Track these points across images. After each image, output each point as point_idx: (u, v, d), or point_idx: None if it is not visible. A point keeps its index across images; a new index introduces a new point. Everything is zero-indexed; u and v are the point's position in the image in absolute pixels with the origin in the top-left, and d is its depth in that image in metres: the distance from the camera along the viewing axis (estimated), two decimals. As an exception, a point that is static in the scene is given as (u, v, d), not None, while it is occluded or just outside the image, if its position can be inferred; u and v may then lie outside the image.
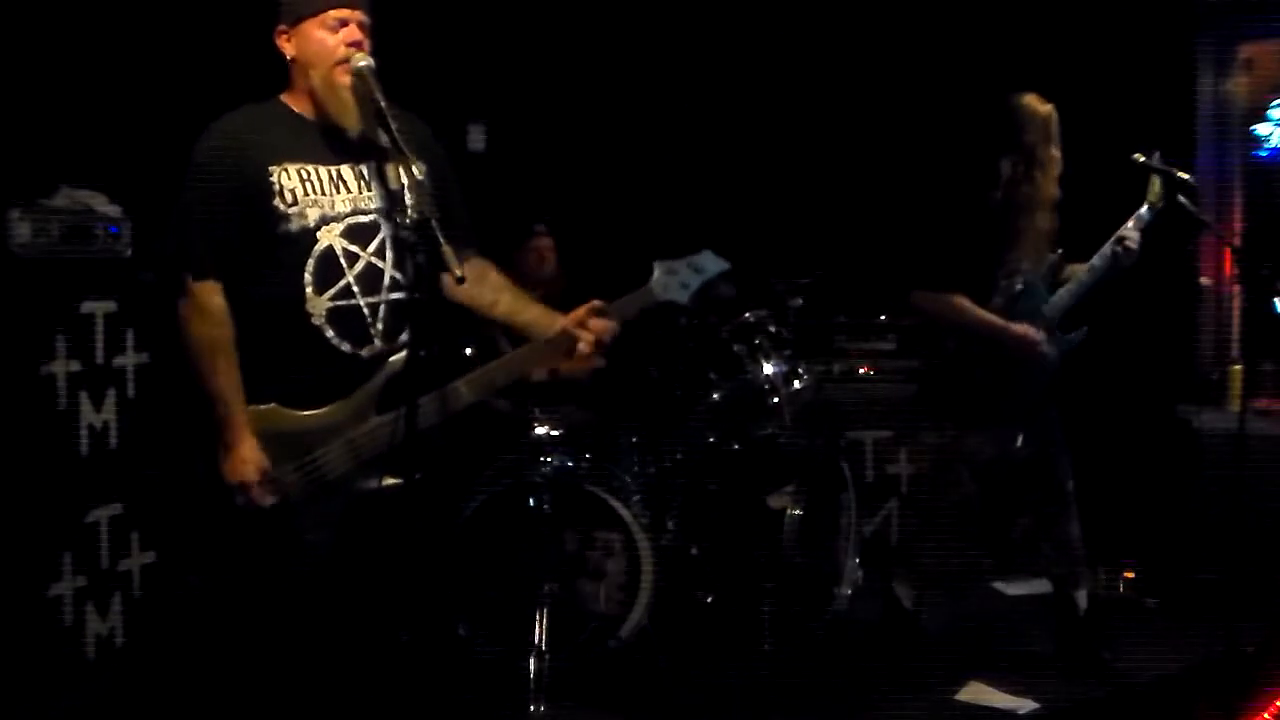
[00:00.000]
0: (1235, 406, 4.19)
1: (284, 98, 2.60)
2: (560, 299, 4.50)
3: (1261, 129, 4.94)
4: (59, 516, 3.37)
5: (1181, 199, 3.39)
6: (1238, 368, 4.65)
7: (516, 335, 2.75)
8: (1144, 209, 3.51)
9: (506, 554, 3.67)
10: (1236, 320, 5.03)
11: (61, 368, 3.37)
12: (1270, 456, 4.05)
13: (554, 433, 3.85)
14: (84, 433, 3.45)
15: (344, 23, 2.50)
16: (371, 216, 2.56)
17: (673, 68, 5.34)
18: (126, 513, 3.59)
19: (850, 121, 5.28)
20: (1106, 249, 3.50)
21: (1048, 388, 3.62)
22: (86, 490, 3.46)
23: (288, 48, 2.55)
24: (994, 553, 4.46)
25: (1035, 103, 3.52)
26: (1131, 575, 4.39)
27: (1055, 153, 3.51)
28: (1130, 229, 3.49)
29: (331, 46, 2.49)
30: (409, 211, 2.33)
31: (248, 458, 2.45)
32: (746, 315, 4.20)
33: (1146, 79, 3.52)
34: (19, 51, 3.41)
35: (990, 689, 3.57)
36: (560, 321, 2.64)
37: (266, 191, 2.47)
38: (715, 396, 4.13)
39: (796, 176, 5.41)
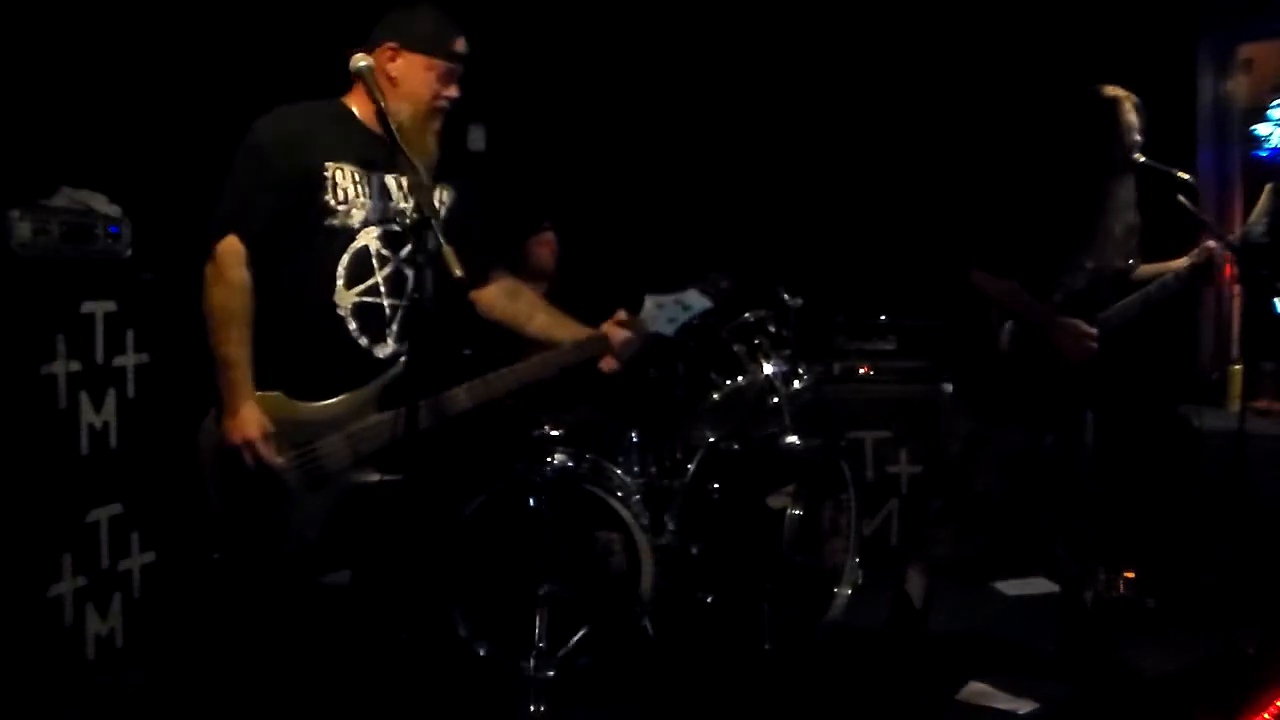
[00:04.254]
0: (1235, 406, 4.19)
1: (349, 102, 2.66)
2: (561, 296, 4.52)
3: (1261, 129, 4.94)
4: (59, 516, 3.37)
5: (1182, 199, 3.37)
6: (1238, 368, 4.65)
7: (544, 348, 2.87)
8: (1250, 227, 3.34)
9: (506, 553, 3.67)
10: (1236, 320, 5.03)
11: (61, 368, 3.37)
12: (1270, 456, 4.05)
13: (554, 433, 3.85)
14: (84, 433, 3.46)
15: (452, 76, 2.65)
16: (405, 227, 2.64)
17: (684, 62, 5.35)
18: (126, 513, 3.60)
19: (884, 110, 5.30)
20: (1183, 266, 3.39)
21: (1086, 390, 3.59)
22: (86, 490, 3.46)
23: (391, 66, 2.61)
24: (1007, 546, 4.46)
25: (1118, 96, 3.40)
26: (1132, 575, 4.39)
27: (1136, 152, 3.40)
28: (1217, 246, 3.36)
29: (435, 90, 2.63)
30: (409, 211, 2.36)
31: (250, 417, 2.49)
32: (746, 315, 4.20)
33: (1146, 79, 3.51)
34: (19, 52, 3.41)
35: (990, 689, 3.57)
36: (586, 332, 2.80)
37: (321, 185, 2.53)
38: (715, 396, 4.13)
39: (801, 176, 5.42)
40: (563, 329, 2.85)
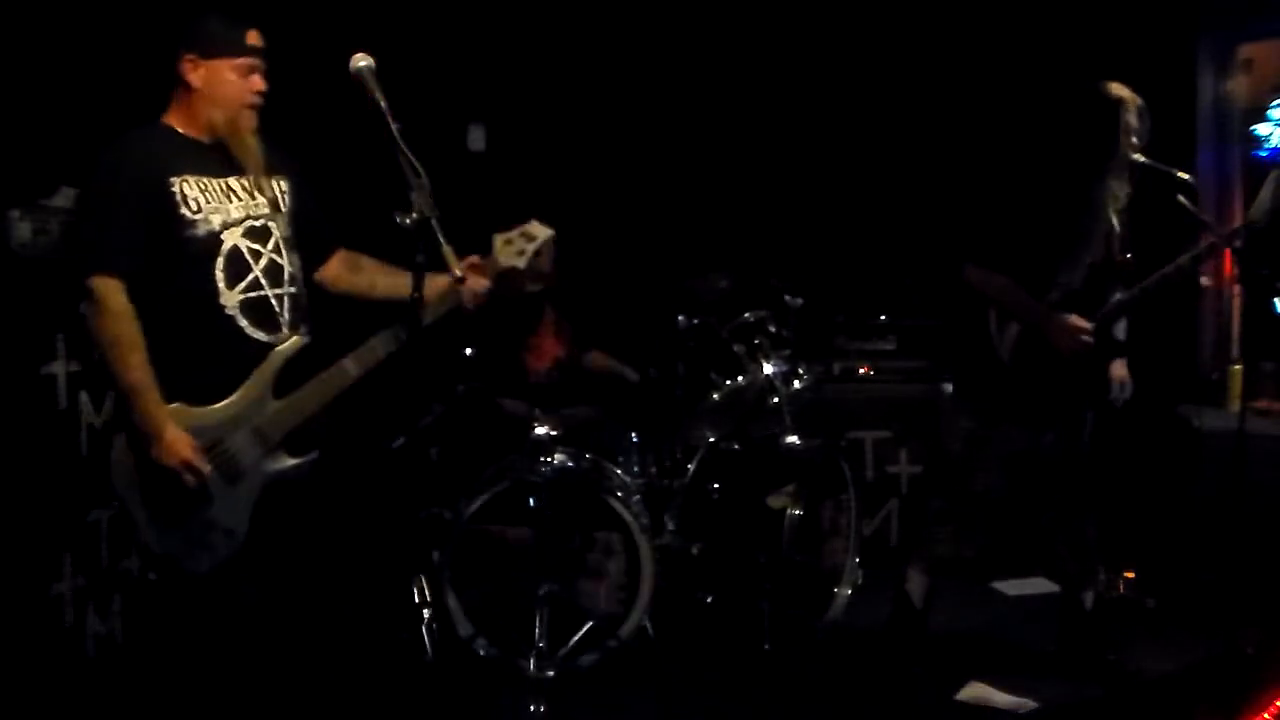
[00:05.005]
0: (1235, 406, 4.19)
1: (171, 121, 2.71)
2: (560, 296, 4.52)
3: (1261, 129, 4.94)
4: (59, 516, 3.37)
5: (1181, 199, 3.37)
6: (1238, 368, 4.65)
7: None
8: (1254, 213, 3.30)
9: (506, 554, 3.67)
10: (1236, 320, 5.03)
11: (61, 368, 3.37)
12: (1270, 456, 4.04)
13: (554, 433, 3.85)
14: (84, 433, 3.45)
15: (254, 69, 2.67)
16: (262, 221, 2.73)
17: (680, 61, 5.34)
18: (126, 512, 3.59)
19: (880, 107, 5.31)
20: (1184, 259, 3.37)
21: (1087, 389, 3.59)
22: (86, 490, 3.46)
23: (193, 77, 2.67)
24: (1007, 546, 4.45)
25: (1122, 97, 3.38)
26: (1132, 575, 4.39)
27: (1135, 149, 3.38)
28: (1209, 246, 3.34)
29: (241, 90, 2.66)
30: (410, 211, 2.39)
31: (179, 437, 2.56)
32: (746, 315, 4.20)
33: (1146, 79, 3.51)
34: (19, 52, 3.41)
35: (991, 689, 3.57)
36: (440, 280, 2.78)
37: (171, 200, 2.60)
38: (715, 396, 4.13)
39: (800, 176, 5.42)
40: (404, 283, 2.84)
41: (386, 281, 2.92)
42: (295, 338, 2.74)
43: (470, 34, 5.07)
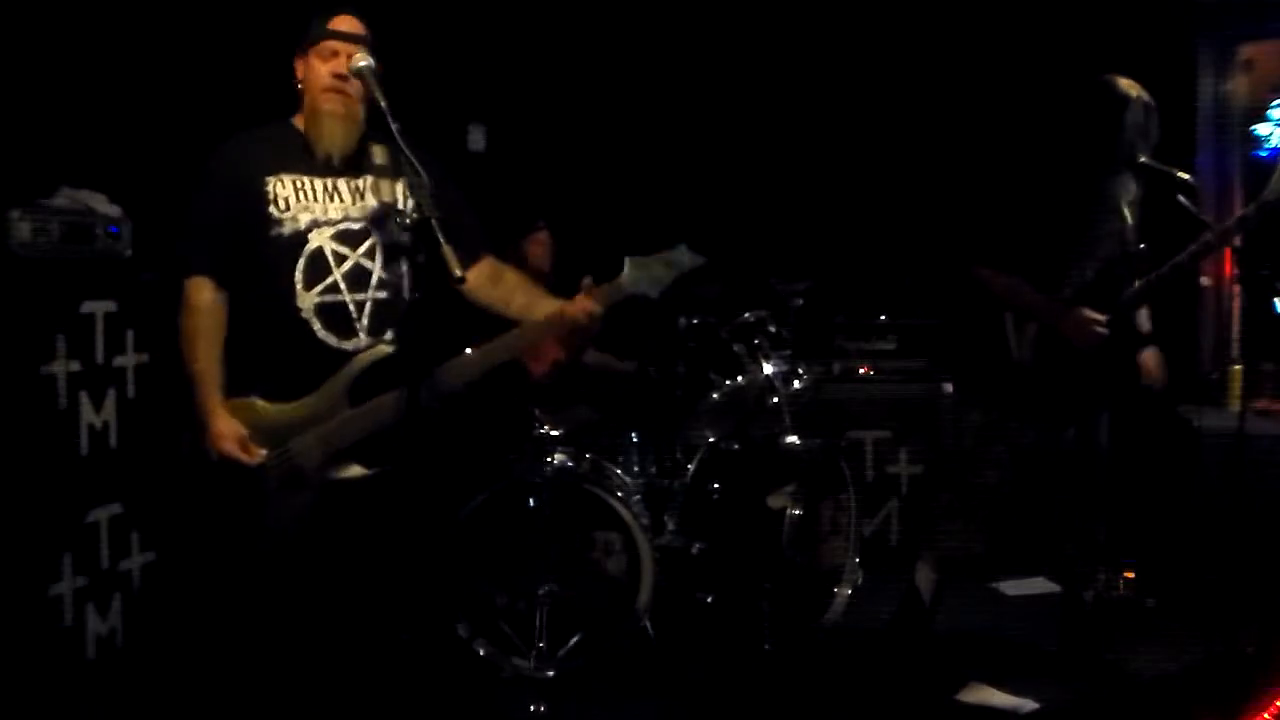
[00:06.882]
0: (1235, 406, 4.19)
1: (294, 119, 2.76)
2: (558, 296, 4.50)
3: (1261, 129, 4.94)
4: (59, 516, 3.37)
5: (1181, 199, 3.38)
6: (1238, 368, 4.65)
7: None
8: (1266, 196, 3.31)
9: (506, 553, 3.67)
10: (1236, 320, 5.03)
11: (61, 368, 3.37)
12: (1270, 456, 4.04)
13: (554, 433, 3.85)
14: (84, 433, 3.46)
15: (335, 53, 2.66)
16: (361, 224, 2.71)
17: (679, 61, 5.35)
18: (126, 513, 3.60)
19: (877, 107, 5.31)
20: (1195, 246, 3.38)
21: (1103, 386, 3.59)
22: (86, 490, 3.46)
23: (300, 73, 2.72)
24: (1010, 545, 4.46)
25: (1125, 89, 3.40)
26: (1131, 575, 4.38)
27: (1143, 147, 3.40)
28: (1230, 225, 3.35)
29: (322, 74, 2.66)
30: (410, 212, 2.39)
31: (224, 429, 2.59)
32: (746, 315, 4.20)
33: (1146, 79, 3.52)
34: (19, 52, 3.41)
35: (991, 689, 3.56)
36: (552, 310, 2.77)
37: (261, 199, 2.62)
38: (715, 396, 4.13)
39: (800, 176, 5.42)
40: (540, 306, 2.80)
41: (522, 301, 2.83)
42: (379, 346, 2.69)
43: (470, 34, 5.07)
